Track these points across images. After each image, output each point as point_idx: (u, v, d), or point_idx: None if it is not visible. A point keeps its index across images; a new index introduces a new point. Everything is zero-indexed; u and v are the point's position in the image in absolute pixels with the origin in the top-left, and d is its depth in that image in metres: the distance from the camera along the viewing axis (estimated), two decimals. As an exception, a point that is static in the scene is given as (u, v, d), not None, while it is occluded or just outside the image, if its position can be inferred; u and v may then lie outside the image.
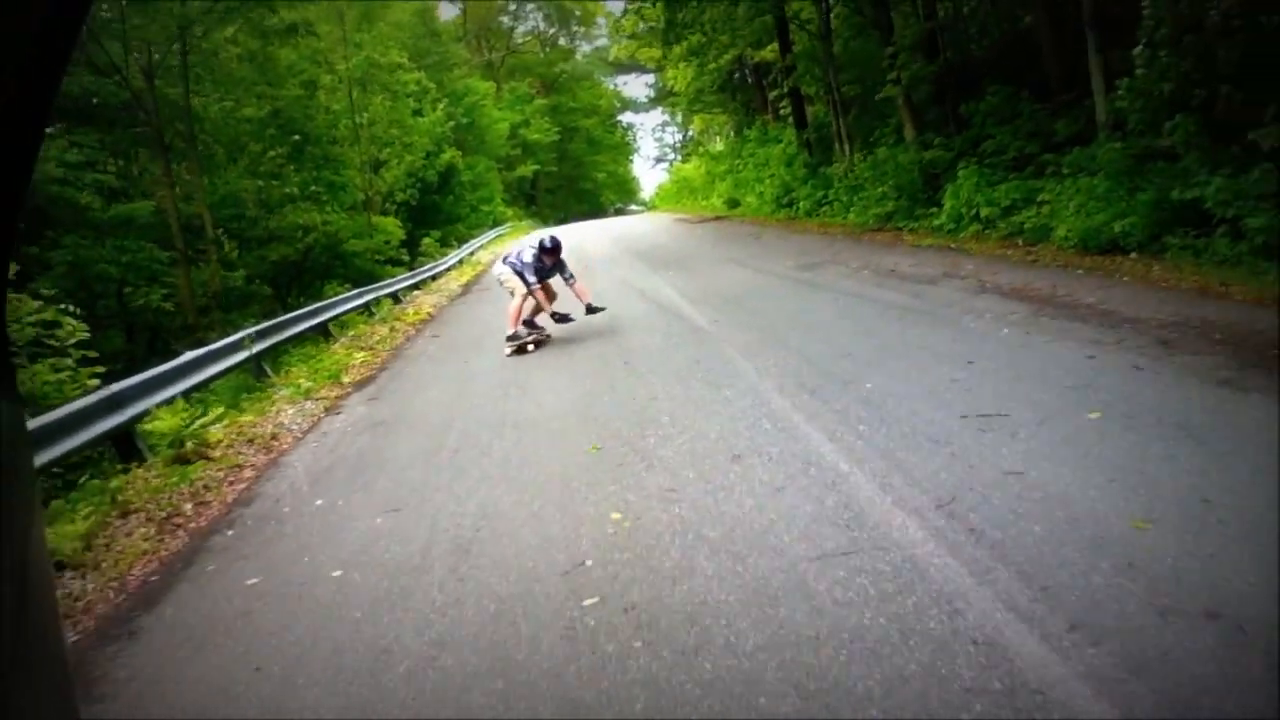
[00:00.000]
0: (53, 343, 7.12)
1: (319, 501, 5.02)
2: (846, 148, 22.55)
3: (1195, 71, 9.13)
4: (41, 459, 5.34)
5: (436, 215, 32.72)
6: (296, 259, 19.56)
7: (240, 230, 17.18)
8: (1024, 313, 7.15)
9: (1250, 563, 2.75)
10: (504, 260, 9.01)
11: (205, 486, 5.65)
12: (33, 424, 5.39)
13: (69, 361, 7.15)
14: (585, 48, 72.03)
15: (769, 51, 27.93)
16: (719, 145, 46.01)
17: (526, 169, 54.74)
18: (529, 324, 8.91)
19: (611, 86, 72.30)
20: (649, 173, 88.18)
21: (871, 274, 10.68)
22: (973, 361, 5.73)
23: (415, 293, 17.58)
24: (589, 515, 4.09)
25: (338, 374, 9.13)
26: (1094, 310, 6.92)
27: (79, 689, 3.08)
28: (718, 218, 29.37)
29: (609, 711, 2.50)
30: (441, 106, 32.87)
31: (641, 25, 33.41)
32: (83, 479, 5.88)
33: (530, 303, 8.72)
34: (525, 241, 10.15)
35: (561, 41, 71.19)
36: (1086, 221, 10.21)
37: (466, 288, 18.29)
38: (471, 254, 27.74)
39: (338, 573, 3.90)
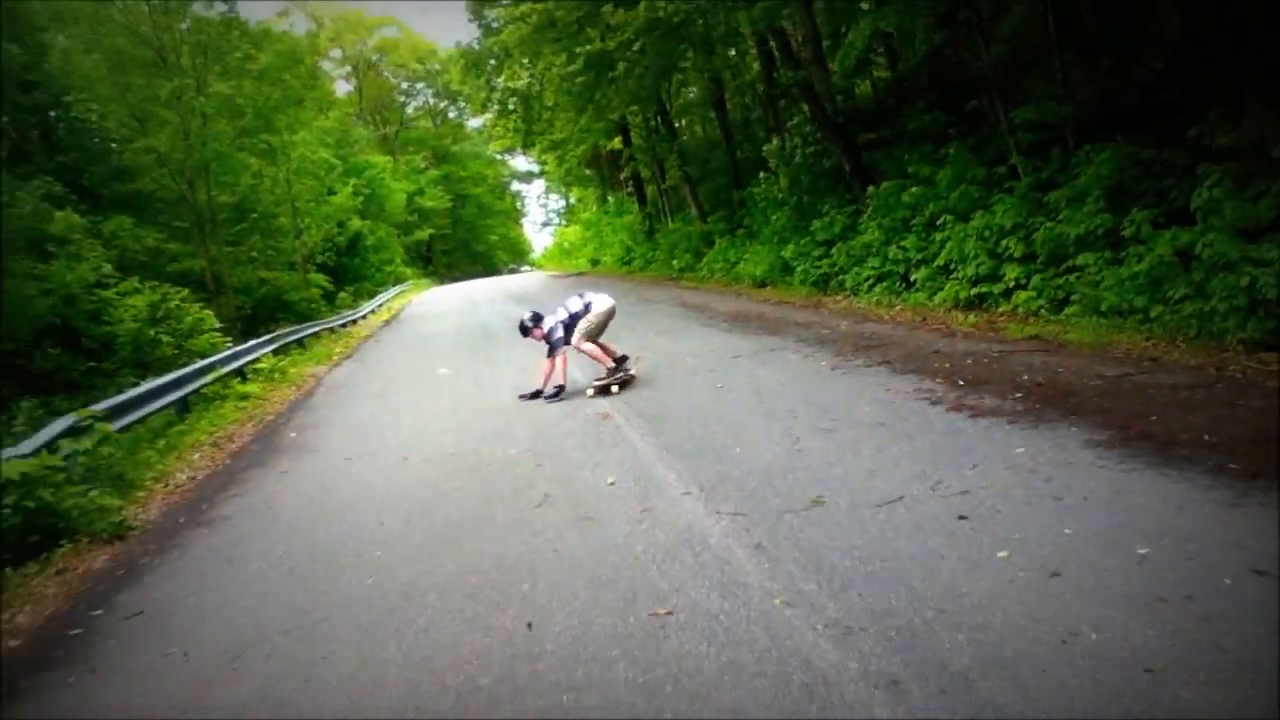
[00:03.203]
0: (204, 326, 14.30)
1: (356, 378, 12.37)
2: (669, 220, 30.71)
3: (791, 185, 17.29)
4: (218, 374, 12.36)
5: (347, 274, 39.38)
6: (253, 306, 26.30)
7: (219, 283, 24.02)
8: (683, 312, 15.02)
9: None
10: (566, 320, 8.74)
11: (297, 384, 12.85)
12: (215, 358, 12.50)
13: (216, 334, 14.34)
14: (474, 122, 78.78)
15: (616, 143, 35.90)
16: (589, 213, 53.99)
17: (423, 233, 61.65)
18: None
19: (498, 158, 79.39)
20: (538, 235, 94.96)
21: (637, 300, 18.43)
22: (641, 328, 13.43)
23: (349, 327, 24.60)
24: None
25: (330, 356, 16.35)
26: (709, 310, 14.81)
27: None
28: (580, 274, 37.15)
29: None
30: (351, 184, 39.79)
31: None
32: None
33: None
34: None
35: (451, 115, 77.77)
36: (754, 269, 18.23)
37: (386, 323, 25.44)
38: (381, 305, 34.56)
39: (377, 386, 11.27)
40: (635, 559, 4.19)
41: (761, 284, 17.66)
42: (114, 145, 20.01)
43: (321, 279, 31.35)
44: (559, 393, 8.58)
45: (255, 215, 26.25)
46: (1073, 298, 9.09)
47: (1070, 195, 9.81)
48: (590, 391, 8.42)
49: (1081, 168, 9.87)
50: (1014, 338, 8.41)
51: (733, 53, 25.28)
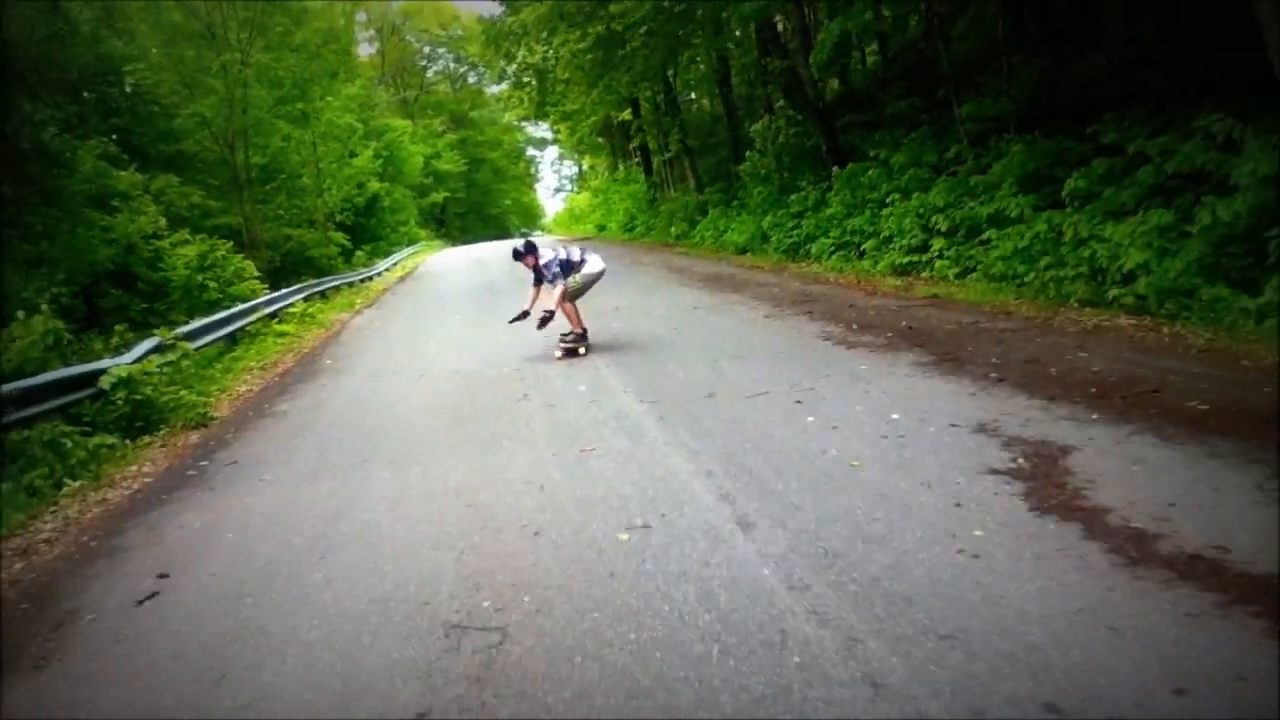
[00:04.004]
0: (245, 275, 16.26)
1: (376, 323, 14.30)
2: (672, 190, 32.47)
3: (776, 165, 19.06)
4: (260, 314, 14.32)
5: (364, 234, 41.24)
6: (280, 259, 28.25)
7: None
8: (666, 274, 16.86)
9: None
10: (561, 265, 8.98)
11: (325, 327, 14.80)
12: (256, 301, 14.46)
13: (255, 282, 16.31)
14: (493, 89, 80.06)
15: (627, 114, 37.54)
16: (599, 181, 55.68)
17: (438, 196, 63.25)
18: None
19: (515, 124, 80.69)
20: (550, 201, 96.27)
21: (630, 263, 20.29)
22: (627, 285, 15.29)
23: (367, 282, 26.56)
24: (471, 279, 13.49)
25: (352, 305, 18.32)
26: (689, 272, 16.64)
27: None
28: (586, 238, 38.92)
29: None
30: (371, 147, 41.54)
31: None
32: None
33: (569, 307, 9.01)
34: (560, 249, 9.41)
35: (471, 80, 79.08)
36: (737, 237, 20.05)
37: (401, 280, 27.41)
38: (396, 264, 36.50)
39: (396, 329, 13.22)
40: (579, 425, 6.15)
41: (742, 251, 19.48)
42: (156, 109, 21.95)
43: (340, 237, 33.29)
44: (549, 318, 8.89)
45: (283, 176, 28.13)
46: (978, 266, 10.93)
47: (991, 181, 11.62)
48: (558, 353, 8.92)
49: (1005, 157, 11.66)
50: (918, 296, 10.27)
51: (738, 33, 26.79)
